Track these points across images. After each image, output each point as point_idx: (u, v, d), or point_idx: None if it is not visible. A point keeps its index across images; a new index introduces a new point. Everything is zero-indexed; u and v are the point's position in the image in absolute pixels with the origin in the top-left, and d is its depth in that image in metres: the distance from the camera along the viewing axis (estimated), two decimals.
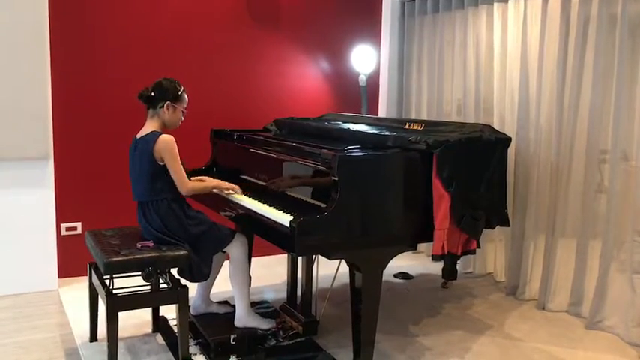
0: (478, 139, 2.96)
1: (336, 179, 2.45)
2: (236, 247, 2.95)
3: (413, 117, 4.69)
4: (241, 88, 4.42)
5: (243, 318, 3.01)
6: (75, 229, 3.97)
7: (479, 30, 4.02)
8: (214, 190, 3.06)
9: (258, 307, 3.35)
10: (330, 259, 2.59)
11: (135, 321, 3.19)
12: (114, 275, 2.73)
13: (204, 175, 3.26)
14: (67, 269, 3.89)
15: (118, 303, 2.66)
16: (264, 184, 3.10)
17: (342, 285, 3.35)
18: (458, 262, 3.02)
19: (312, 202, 2.69)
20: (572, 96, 3.41)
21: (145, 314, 3.14)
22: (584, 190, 3.39)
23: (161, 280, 2.83)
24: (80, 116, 3.93)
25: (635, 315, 3.10)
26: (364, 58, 4.68)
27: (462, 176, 2.78)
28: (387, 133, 3.03)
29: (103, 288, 2.72)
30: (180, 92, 2.93)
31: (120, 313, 2.64)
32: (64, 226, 3.93)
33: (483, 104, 4.03)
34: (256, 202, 2.86)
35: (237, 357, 2.84)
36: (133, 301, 2.74)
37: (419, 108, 4.66)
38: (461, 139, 2.84)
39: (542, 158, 3.64)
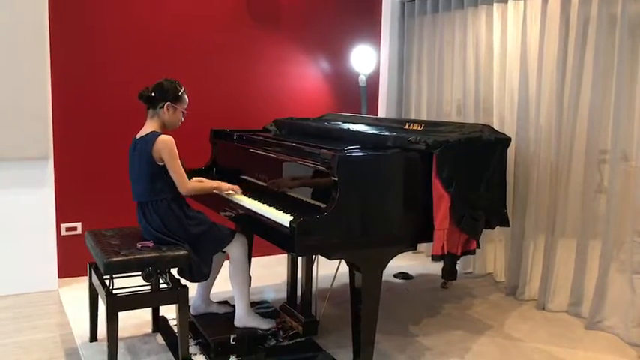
0: (478, 139, 2.96)
1: (336, 179, 2.45)
2: (236, 247, 2.95)
3: (413, 117, 4.69)
4: (241, 88, 4.42)
5: (243, 318, 3.01)
6: (75, 229, 3.97)
7: (478, 30, 4.02)
8: (214, 191, 3.06)
9: (258, 307, 3.36)
10: (330, 259, 2.59)
11: (135, 321, 3.19)
12: (114, 275, 2.73)
13: (204, 176, 3.27)
14: (67, 269, 3.90)
15: (118, 303, 2.66)
16: (264, 184, 3.11)
17: (342, 285, 3.35)
18: (458, 262, 3.03)
19: (312, 202, 2.70)
20: (571, 96, 3.41)
21: (144, 314, 3.15)
22: (584, 190, 3.39)
23: (161, 280, 2.83)
24: (80, 116, 3.93)
25: (635, 315, 3.11)
26: (364, 59, 4.68)
27: (462, 176, 2.78)
28: (387, 134, 3.03)
29: (103, 288, 2.72)
30: (180, 93, 2.93)
31: (120, 313, 2.65)
32: (64, 226, 3.93)
33: (483, 104, 4.03)
34: (256, 202, 2.87)
35: (237, 357, 2.84)
36: (133, 301, 2.74)
37: (419, 108, 4.66)
38: (460, 139, 2.84)
39: (541, 158, 3.64)
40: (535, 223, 3.69)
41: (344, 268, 2.79)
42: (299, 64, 4.63)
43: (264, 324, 3.05)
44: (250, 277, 3.10)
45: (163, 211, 2.84)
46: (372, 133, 3.13)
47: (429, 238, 2.72)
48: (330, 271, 3.18)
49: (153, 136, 2.81)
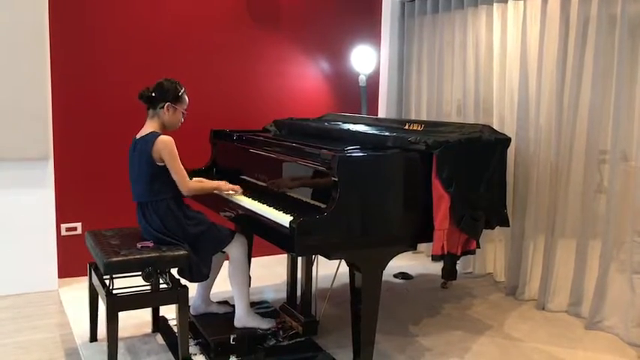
0: (478, 139, 2.96)
1: (336, 179, 2.45)
2: (236, 248, 2.95)
3: (412, 117, 4.69)
4: (241, 88, 4.42)
5: (243, 318, 3.01)
6: (75, 229, 3.97)
7: (478, 30, 4.02)
8: (215, 191, 3.06)
9: (258, 307, 3.36)
10: (329, 259, 2.59)
11: (135, 321, 3.19)
12: (114, 275, 2.73)
13: (204, 176, 3.27)
14: (67, 269, 3.89)
15: (118, 303, 2.66)
16: (263, 184, 3.11)
17: (341, 285, 3.35)
18: (457, 262, 3.04)
19: (312, 202, 2.70)
20: (571, 96, 3.41)
21: (144, 314, 3.14)
22: (584, 191, 3.39)
23: (161, 281, 2.83)
24: (80, 116, 3.93)
25: (635, 315, 3.11)
26: (364, 59, 4.68)
27: (462, 176, 2.78)
28: (387, 134, 3.03)
29: (103, 288, 2.72)
30: (180, 93, 2.93)
31: (120, 314, 2.65)
32: (64, 226, 3.93)
33: (483, 104, 4.03)
34: (256, 202, 2.87)
35: (236, 357, 2.84)
36: (132, 301, 2.74)
37: (418, 108, 4.66)
38: (460, 139, 2.84)
39: (541, 158, 3.64)
40: (535, 223, 3.69)
41: (344, 268, 2.79)
42: (299, 64, 4.63)
43: (264, 324, 3.05)
44: (250, 277, 3.10)
45: (163, 212, 2.84)
46: (372, 134, 3.13)
47: (428, 238, 2.72)
48: (330, 271, 3.18)
49: (153, 137, 2.81)
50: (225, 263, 3.08)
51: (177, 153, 2.81)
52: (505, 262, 3.97)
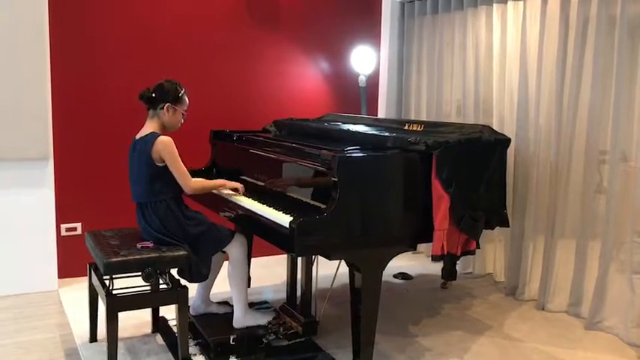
0: (477, 139, 2.96)
1: (336, 180, 2.46)
2: (235, 248, 2.95)
3: (412, 118, 4.69)
4: (241, 88, 4.42)
5: (241, 319, 3.01)
6: (75, 229, 3.97)
7: (478, 31, 4.03)
8: (214, 191, 3.06)
9: (258, 307, 3.35)
10: (329, 259, 2.59)
11: (135, 321, 3.19)
12: (114, 276, 2.73)
13: (204, 176, 3.27)
14: (66, 270, 3.89)
15: (118, 303, 2.66)
16: (263, 184, 3.11)
17: (341, 285, 3.35)
18: (457, 262, 3.03)
19: (312, 202, 2.70)
20: (571, 96, 3.42)
21: (144, 315, 3.15)
22: (584, 191, 3.39)
23: (161, 281, 2.83)
24: (80, 117, 3.93)
25: (635, 315, 3.11)
26: (364, 59, 4.69)
27: (462, 177, 2.78)
28: (387, 134, 3.03)
29: (103, 288, 2.72)
30: (180, 94, 2.93)
31: (120, 314, 2.65)
32: (63, 226, 3.93)
33: (483, 105, 4.03)
34: (256, 202, 2.87)
35: (236, 357, 2.84)
36: (132, 301, 2.74)
37: (418, 109, 4.66)
38: (460, 139, 2.84)
39: (541, 159, 3.64)
40: (535, 224, 3.69)
41: (344, 268, 2.79)
42: (299, 65, 4.63)
43: (262, 319, 3.05)
44: (250, 277, 3.10)
45: (162, 212, 2.84)
46: (371, 134, 3.13)
47: (428, 239, 2.72)
48: (329, 271, 3.18)
49: (152, 137, 2.81)
50: (225, 263, 3.08)
51: (177, 153, 2.81)
52: (505, 263, 3.97)
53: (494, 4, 3.89)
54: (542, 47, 3.58)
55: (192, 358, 2.84)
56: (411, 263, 4.49)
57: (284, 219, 2.49)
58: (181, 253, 2.76)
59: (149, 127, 2.89)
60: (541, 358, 3.00)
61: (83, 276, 3.23)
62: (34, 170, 3.69)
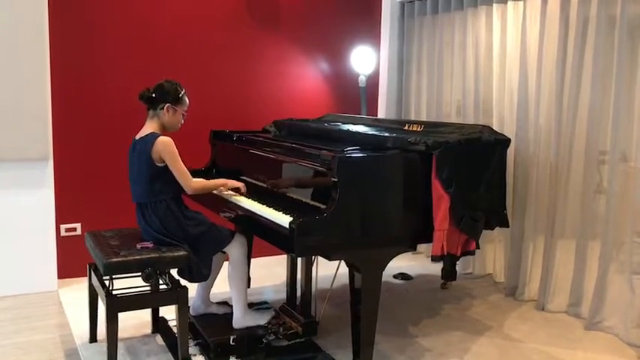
0: (477, 140, 2.96)
1: (336, 180, 2.45)
2: (235, 248, 2.95)
3: (412, 118, 4.69)
4: (241, 88, 4.42)
5: (241, 319, 3.00)
6: (74, 229, 3.97)
7: (478, 31, 4.03)
8: (214, 191, 3.06)
9: (258, 307, 3.35)
10: (329, 259, 2.59)
11: (134, 322, 3.19)
12: (113, 276, 2.73)
13: (204, 177, 3.26)
14: (66, 270, 3.89)
15: (118, 304, 2.66)
16: (263, 185, 3.11)
17: (341, 286, 3.35)
18: (457, 263, 3.04)
19: (312, 203, 2.70)
20: (571, 96, 3.42)
21: (144, 315, 3.14)
22: (584, 191, 3.39)
23: (161, 281, 2.83)
24: (80, 117, 3.93)
25: (635, 316, 3.11)
26: (364, 59, 4.69)
27: (462, 177, 2.78)
28: (387, 134, 3.03)
29: (103, 289, 2.72)
30: (181, 95, 2.93)
31: (119, 314, 2.64)
32: (63, 227, 3.93)
33: (483, 105, 4.03)
34: (256, 202, 2.87)
35: (236, 358, 2.84)
36: (132, 302, 2.74)
37: (418, 109, 4.66)
38: (460, 140, 2.84)
39: (541, 159, 3.64)
40: (535, 224, 3.69)
41: (344, 268, 2.79)
42: (299, 65, 4.63)
43: (261, 319, 3.04)
44: (250, 277, 3.10)
45: (162, 212, 2.84)
46: (371, 134, 3.13)
47: (428, 239, 2.72)
48: (329, 271, 3.17)
49: (152, 137, 2.81)
50: (225, 264, 3.08)
51: (177, 153, 2.81)
52: (505, 263, 3.97)
53: (494, 4, 3.89)
54: (542, 47, 3.58)
55: (192, 358, 2.84)
56: (411, 264, 4.49)
57: (284, 219, 2.49)
58: (181, 253, 2.76)
59: (149, 128, 2.89)
60: (541, 358, 3.00)
61: (83, 276, 3.23)
62: (34, 170, 3.69)
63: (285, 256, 3.56)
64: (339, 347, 3.00)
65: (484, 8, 3.98)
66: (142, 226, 2.90)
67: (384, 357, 2.95)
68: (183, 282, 2.83)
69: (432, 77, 4.49)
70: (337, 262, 2.89)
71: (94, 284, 2.91)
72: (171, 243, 2.81)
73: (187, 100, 2.98)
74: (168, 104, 2.88)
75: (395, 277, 4.19)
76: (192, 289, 2.99)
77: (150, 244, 2.80)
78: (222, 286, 3.24)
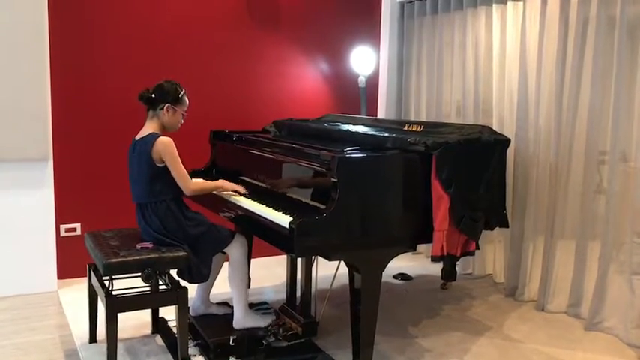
0: (477, 140, 2.96)
1: (336, 180, 2.46)
2: (235, 248, 2.95)
3: (412, 118, 4.69)
4: (241, 89, 4.42)
5: (241, 320, 3.00)
6: (74, 230, 3.97)
7: (478, 31, 4.03)
8: (214, 192, 3.06)
9: (258, 307, 3.35)
10: (329, 260, 2.59)
11: (134, 322, 3.19)
12: (113, 276, 2.73)
13: (204, 177, 3.27)
14: (66, 270, 3.89)
15: (118, 304, 2.66)
16: (263, 185, 3.11)
17: (341, 286, 3.35)
18: (457, 263, 3.03)
19: (312, 203, 2.69)
20: (571, 97, 3.42)
21: (144, 315, 3.14)
22: (583, 191, 3.39)
23: (160, 282, 2.83)
24: (80, 117, 3.93)
25: (635, 316, 3.11)
26: (363, 60, 4.69)
27: (461, 177, 2.78)
28: (387, 135, 3.03)
29: (103, 289, 2.71)
30: (180, 95, 2.93)
31: (119, 315, 2.64)
32: (63, 227, 3.93)
33: (482, 105, 4.03)
34: (255, 203, 2.87)
35: (236, 358, 2.84)
36: (132, 302, 2.74)
37: (418, 109, 4.66)
38: (460, 140, 2.84)
39: (541, 159, 3.64)
40: (534, 224, 3.69)
41: (343, 269, 2.79)
42: (299, 65, 4.63)
43: (262, 322, 3.04)
44: (250, 278, 3.10)
45: (162, 213, 2.84)
46: (371, 135, 3.13)
47: (428, 239, 2.72)
48: (329, 272, 3.17)
49: (152, 138, 2.81)
50: (225, 264, 3.08)
51: (177, 154, 2.81)
52: (504, 263, 3.97)
53: (494, 5, 3.89)
54: (541, 48, 3.58)
55: (192, 358, 2.84)
56: (411, 264, 4.49)
57: (283, 219, 2.49)
58: (181, 253, 2.75)
59: (149, 128, 2.89)
60: (541, 358, 3.00)
61: (83, 277, 3.23)
62: (34, 171, 3.69)
63: (284, 256, 3.55)
64: (339, 347, 3.00)
65: (484, 9, 3.98)
66: (141, 226, 2.90)
67: (384, 357, 2.95)
68: (183, 282, 2.83)
69: (431, 77, 4.49)
70: (337, 262, 2.89)
71: (94, 284, 2.91)
72: (171, 243, 2.81)
73: (187, 100, 2.98)
74: (168, 104, 2.88)
75: (395, 277, 4.19)
76: (192, 289, 2.99)
77: (150, 245, 2.80)
78: (222, 286, 3.24)
